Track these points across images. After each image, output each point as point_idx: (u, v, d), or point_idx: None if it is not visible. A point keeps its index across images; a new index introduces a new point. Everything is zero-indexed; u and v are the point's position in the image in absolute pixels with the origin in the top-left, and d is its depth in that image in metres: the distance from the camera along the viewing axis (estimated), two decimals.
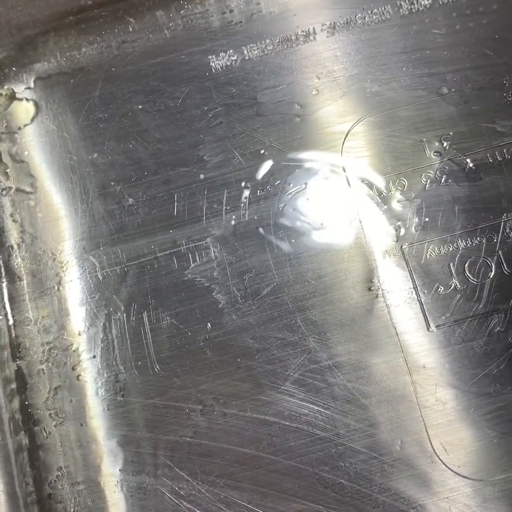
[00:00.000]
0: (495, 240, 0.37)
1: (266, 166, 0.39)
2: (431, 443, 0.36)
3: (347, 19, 0.41)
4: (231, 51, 0.41)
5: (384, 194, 0.38)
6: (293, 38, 0.41)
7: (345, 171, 0.39)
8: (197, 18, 0.42)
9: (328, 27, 0.41)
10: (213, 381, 0.37)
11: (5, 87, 0.42)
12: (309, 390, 0.37)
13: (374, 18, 0.41)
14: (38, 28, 0.43)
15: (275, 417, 0.36)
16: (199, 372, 0.37)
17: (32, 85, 0.42)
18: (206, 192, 0.40)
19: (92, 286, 0.39)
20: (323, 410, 0.36)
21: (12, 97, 0.42)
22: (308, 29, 0.41)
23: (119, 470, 0.37)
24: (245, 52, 0.41)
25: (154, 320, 0.38)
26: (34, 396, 0.38)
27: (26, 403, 0.38)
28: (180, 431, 0.37)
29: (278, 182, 0.39)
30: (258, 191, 0.39)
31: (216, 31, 0.41)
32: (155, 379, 0.38)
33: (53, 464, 0.38)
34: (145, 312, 0.38)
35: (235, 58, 0.41)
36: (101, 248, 0.39)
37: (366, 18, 0.41)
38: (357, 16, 0.41)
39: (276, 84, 0.41)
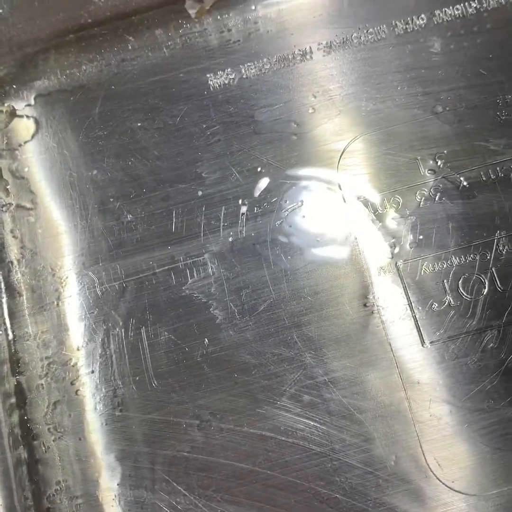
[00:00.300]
0: (488, 257, 0.38)
1: (263, 183, 0.40)
2: (425, 458, 0.36)
3: (343, 38, 0.42)
4: (229, 69, 0.42)
5: (379, 211, 0.39)
6: (290, 57, 0.42)
7: (341, 189, 0.40)
8: (196, 37, 0.42)
9: (324, 46, 0.42)
10: (210, 397, 0.38)
11: (6, 104, 0.42)
12: (305, 405, 0.37)
13: (369, 37, 0.41)
14: (38, 45, 0.44)
15: (271, 432, 0.37)
16: (197, 387, 0.38)
17: (32, 102, 0.42)
18: (204, 208, 0.40)
19: (91, 301, 0.39)
20: (319, 425, 0.37)
21: (13, 114, 0.42)
22: (305, 48, 0.42)
23: (117, 485, 0.37)
24: (243, 71, 0.42)
25: (152, 336, 0.39)
26: (33, 411, 0.39)
27: (25, 417, 0.39)
28: (178, 446, 0.37)
29: (275, 199, 0.40)
30: (255, 208, 0.40)
31: (214, 49, 0.42)
32: (153, 394, 0.38)
33: (52, 478, 0.38)
34: (143, 327, 0.39)
35: (233, 76, 0.42)
36: (100, 264, 0.40)
37: (362, 37, 0.41)
38: (353, 36, 0.41)
39: (273, 102, 0.41)
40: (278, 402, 0.37)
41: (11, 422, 0.38)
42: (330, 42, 0.42)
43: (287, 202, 0.40)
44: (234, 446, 0.37)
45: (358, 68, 0.41)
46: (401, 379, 0.37)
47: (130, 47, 0.43)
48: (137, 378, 0.38)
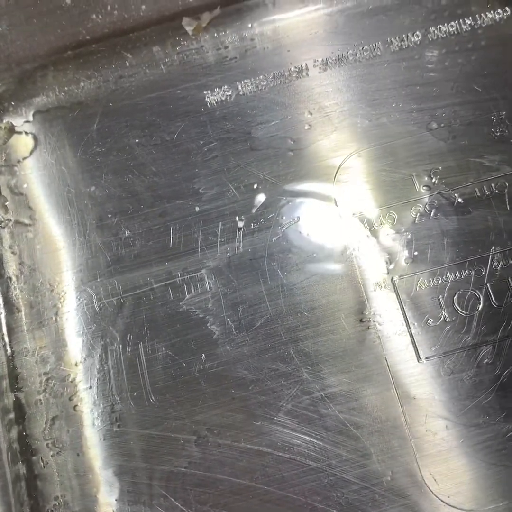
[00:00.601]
0: (483, 273, 0.38)
1: (260, 199, 0.40)
2: (421, 473, 0.36)
3: (339, 55, 0.42)
4: (226, 86, 0.42)
5: (375, 227, 0.39)
6: (286, 74, 0.42)
7: (337, 205, 0.40)
8: (193, 54, 0.43)
9: (320, 64, 0.42)
10: (208, 412, 0.38)
11: (5, 121, 0.43)
12: (301, 421, 0.37)
13: (365, 54, 0.42)
14: (37, 62, 0.44)
15: (268, 447, 0.37)
16: (194, 403, 0.38)
17: (31, 118, 0.43)
18: (201, 224, 0.40)
19: (89, 317, 0.40)
20: (315, 440, 0.37)
21: (11, 130, 0.43)
22: (301, 65, 0.42)
23: (115, 500, 0.38)
24: (240, 88, 0.42)
25: (150, 351, 0.39)
26: (32, 426, 0.39)
27: (24, 433, 0.39)
28: (175, 461, 0.38)
29: (272, 215, 0.40)
30: (252, 223, 0.40)
31: (211, 66, 0.42)
32: (151, 409, 0.38)
33: (50, 493, 0.38)
34: (141, 343, 0.39)
35: (229, 93, 0.42)
36: (98, 280, 0.40)
37: (357, 54, 0.42)
38: (348, 53, 0.42)
39: (269, 119, 0.41)
40: (275, 418, 0.37)
41: (9, 437, 0.38)
42: (326, 59, 0.42)
43: (284, 218, 0.40)
44: (231, 461, 0.37)
45: (354, 85, 0.42)
46: (397, 394, 0.37)
47: (127, 64, 0.43)
48: (135, 393, 0.38)
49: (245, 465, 0.37)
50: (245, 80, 0.42)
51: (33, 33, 0.44)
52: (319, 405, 0.37)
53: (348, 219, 0.40)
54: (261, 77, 0.42)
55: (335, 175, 0.40)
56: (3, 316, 0.40)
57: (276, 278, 0.39)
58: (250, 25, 0.43)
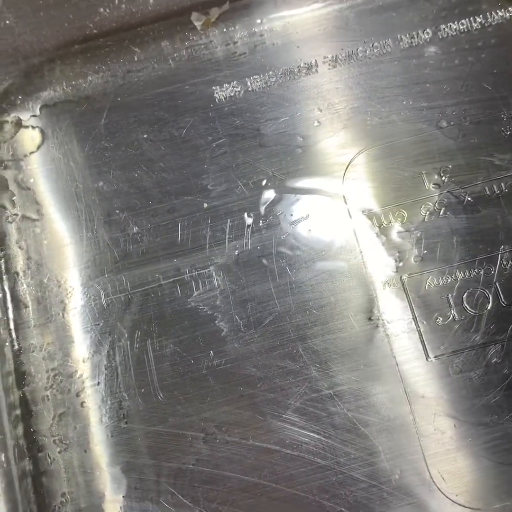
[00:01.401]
0: (492, 272, 0.38)
1: (269, 196, 0.40)
2: (429, 472, 0.36)
3: (348, 52, 0.42)
4: (235, 82, 0.42)
5: (384, 225, 0.39)
6: (295, 70, 0.42)
7: (346, 202, 0.40)
8: (202, 49, 0.42)
9: (330, 60, 0.42)
10: (216, 409, 0.38)
11: (12, 115, 0.42)
12: (310, 418, 0.37)
13: (375, 51, 0.42)
14: (44, 56, 0.44)
15: (276, 445, 0.37)
16: (202, 400, 0.38)
17: (38, 113, 0.42)
18: (209, 221, 0.40)
19: (96, 313, 0.40)
20: (323, 438, 0.37)
21: (18, 124, 0.42)
22: (311, 62, 0.42)
23: (123, 497, 0.38)
24: (249, 84, 0.42)
25: (158, 348, 0.39)
26: (39, 423, 0.39)
27: (31, 429, 0.39)
28: (183, 458, 0.38)
29: (280, 212, 0.40)
30: (261, 220, 0.40)
31: (220, 62, 0.42)
32: (158, 406, 0.38)
33: (57, 490, 0.38)
34: (149, 339, 0.39)
35: (238, 89, 0.42)
36: (106, 276, 0.40)
37: (367, 51, 0.42)
38: (358, 49, 0.42)
39: (278, 115, 0.41)
40: (283, 415, 0.37)
41: (16, 434, 0.38)
42: (336, 55, 0.42)
43: (292, 215, 0.40)
44: (239, 458, 0.37)
45: (364, 82, 0.41)
46: (406, 393, 0.37)
47: (136, 59, 0.43)
48: (143, 390, 0.38)
49: (253, 463, 0.37)
50: (254, 76, 0.42)
51: (40, 26, 0.43)
52: (328, 403, 0.37)
53: (357, 217, 0.40)
54: (270, 73, 0.42)
55: (345, 173, 0.40)
56: (10, 311, 0.40)
57: (284, 276, 0.39)
58: (259, 21, 0.43)
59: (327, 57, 0.42)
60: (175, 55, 0.43)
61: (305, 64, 0.42)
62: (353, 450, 0.37)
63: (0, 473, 0.37)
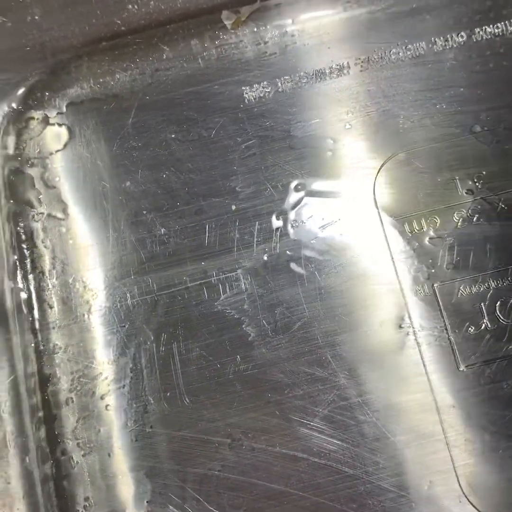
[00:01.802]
0: None
1: (298, 199, 0.40)
2: (459, 482, 0.36)
3: (381, 54, 0.41)
4: (265, 82, 0.41)
5: (416, 231, 0.39)
6: (327, 71, 0.41)
7: (377, 207, 0.39)
8: (232, 48, 0.42)
9: (361, 62, 0.41)
10: (242, 415, 0.37)
11: (38, 112, 0.42)
12: (338, 427, 0.37)
13: (408, 54, 0.41)
14: (71, 52, 0.43)
15: (304, 453, 0.37)
16: (228, 405, 0.37)
17: (64, 110, 0.42)
18: (237, 223, 0.40)
19: (122, 315, 0.39)
20: (352, 447, 0.36)
21: (45, 122, 0.42)
22: (342, 63, 0.41)
23: (147, 502, 0.37)
24: (279, 84, 0.41)
25: (184, 351, 0.38)
26: (62, 425, 0.38)
27: (54, 432, 0.38)
28: (209, 464, 0.37)
29: (310, 215, 0.39)
30: (289, 224, 0.39)
31: (250, 62, 0.42)
32: (184, 411, 0.38)
33: (79, 494, 0.38)
34: (175, 342, 0.38)
35: (268, 90, 0.41)
36: (132, 277, 0.39)
37: (400, 53, 0.41)
38: (391, 52, 0.41)
39: (309, 117, 0.41)
40: (311, 423, 0.37)
41: (38, 436, 0.38)
42: (368, 57, 0.41)
43: (322, 219, 0.39)
44: (266, 466, 0.37)
45: (396, 84, 0.41)
46: (436, 402, 0.36)
47: (164, 57, 0.42)
48: (168, 394, 0.38)
49: (279, 470, 0.37)
50: (284, 77, 0.41)
51: (68, 22, 0.43)
52: (356, 411, 0.37)
53: (389, 222, 0.39)
54: (301, 74, 0.41)
55: (376, 177, 0.40)
56: (35, 312, 0.39)
57: (313, 281, 0.39)
58: (290, 21, 0.42)
59: (359, 58, 0.41)
60: (204, 54, 0.42)
61: (337, 65, 0.41)
62: (381, 459, 0.36)
63: (22, 476, 0.37)
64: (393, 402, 0.37)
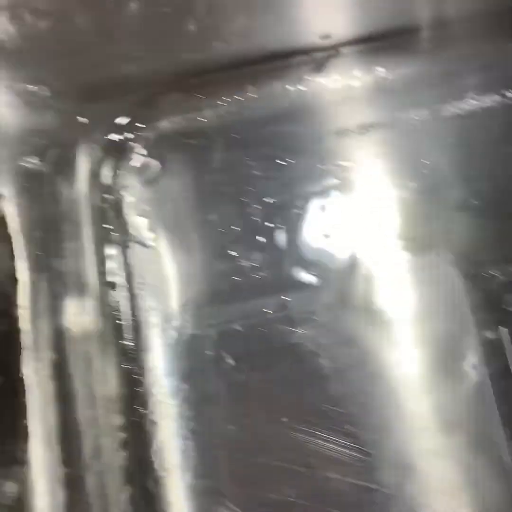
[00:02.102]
0: None
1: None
2: None
3: None
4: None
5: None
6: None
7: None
8: (319, 90, 0.43)
9: None
10: (319, 445, 0.39)
11: (131, 143, 0.43)
12: None
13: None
14: (161, 86, 0.45)
15: (378, 485, 0.38)
16: (306, 434, 0.39)
17: (156, 143, 0.43)
18: None
19: (204, 342, 0.41)
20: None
21: (137, 153, 0.43)
22: None
23: None
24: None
25: (263, 381, 0.40)
26: (145, 447, 0.40)
27: (136, 454, 0.40)
28: (285, 490, 0.39)
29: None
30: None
31: (338, 102, 0.43)
32: (263, 438, 0.39)
33: None
34: (254, 371, 0.40)
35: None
36: (214, 307, 0.41)
37: None
38: None
39: None
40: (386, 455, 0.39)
41: (122, 457, 0.39)
42: None
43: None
44: (339, 495, 0.38)
45: None
46: None
47: (251, 95, 0.44)
48: (248, 420, 0.39)
49: (353, 500, 0.38)
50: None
51: (158, 56, 0.44)
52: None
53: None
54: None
55: None
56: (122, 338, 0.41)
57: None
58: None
59: None
60: (290, 94, 0.44)
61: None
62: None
63: (104, 498, 0.38)
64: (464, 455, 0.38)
